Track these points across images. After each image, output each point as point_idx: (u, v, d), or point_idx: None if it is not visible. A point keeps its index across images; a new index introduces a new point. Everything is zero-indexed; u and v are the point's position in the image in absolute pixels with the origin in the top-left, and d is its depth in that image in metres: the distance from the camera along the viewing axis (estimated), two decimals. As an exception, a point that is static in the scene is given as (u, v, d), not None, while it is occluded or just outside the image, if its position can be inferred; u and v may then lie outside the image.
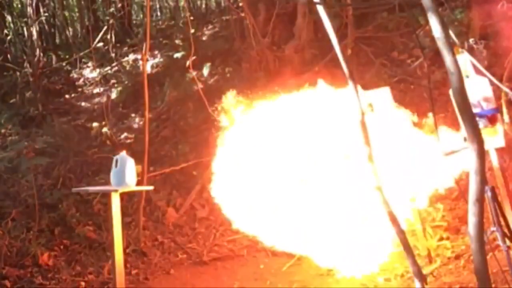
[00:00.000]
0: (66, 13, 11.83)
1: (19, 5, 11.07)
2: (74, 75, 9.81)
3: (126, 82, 9.03)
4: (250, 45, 8.02)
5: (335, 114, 4.56)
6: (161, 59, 9.27)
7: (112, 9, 10.06)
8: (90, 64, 9.90)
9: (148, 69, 8.51)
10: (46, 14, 10.34)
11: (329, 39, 2.75)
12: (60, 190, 6.80)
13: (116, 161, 4.76)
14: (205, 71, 8.14)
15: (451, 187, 5.11)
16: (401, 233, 2.63)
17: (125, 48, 10.05)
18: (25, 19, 9.91)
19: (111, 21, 9.68)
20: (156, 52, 9.46)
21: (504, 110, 4.93)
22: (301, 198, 4.50)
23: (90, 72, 9.82)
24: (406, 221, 5.11)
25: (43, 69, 9.44)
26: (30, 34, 9.64)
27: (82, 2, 11.29)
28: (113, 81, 9.32)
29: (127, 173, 4.71)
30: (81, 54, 9.83)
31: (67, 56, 10.33)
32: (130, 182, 4.74)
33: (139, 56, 9.34)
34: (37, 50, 9.47)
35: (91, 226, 6.05)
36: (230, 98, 5.02)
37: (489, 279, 2.13)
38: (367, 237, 4.43)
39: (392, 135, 4.43)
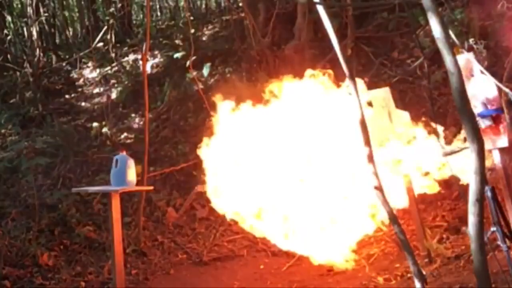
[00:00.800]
0: (66, 13, 11.82)
1: (19, 5, 11.07)
2: (74, 75, 9.81)
3: (126, 82, 9.03)
4: (250, 45, 8.02)
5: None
6: (161, 59, 9.27)
7: (112, 9, 10.04)
8: (90, 64, 9.90)
9: (148, 69, 8.52)
10: (46, 14, 10.33)
11: (329, 39, 2.75)
12: (60, 190, 6.80)
13: (116, 161, 4.76)
14: (205, 71, 8.13)
15: (451, 187, 5.13)
16: (401, 233, 2.63)
17: (125, 48, 10.05)
18: (25, 19, 9.91)
19: (111, 21, 9.67)
20: (156, 52, 9.46)
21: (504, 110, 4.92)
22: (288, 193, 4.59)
23: (90, 72, 9.81)
24: (406, 222, 5.14)
25: (43, 69, 9.44)
26: (30, 34, 9.64)
27: (82, 2, 11.29)
28: (113, 81, 9.32)
29: (127, 173, 4.72)
30: (81, 54, 9.83)
31: (67, 56, 10.33)
32: (130, 182, 4.75)
33: (139, 56, 9.34)
34: (37, 50, 9.47)
35: (91, 226, 6.05)
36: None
37: (489, 279, 2.13)
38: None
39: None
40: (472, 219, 2.09)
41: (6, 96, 9.13)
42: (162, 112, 8.08)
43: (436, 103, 6.18)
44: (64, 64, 10.04)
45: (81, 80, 9.71)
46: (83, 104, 9.07)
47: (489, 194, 3.24)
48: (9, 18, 10.36)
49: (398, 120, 4.62)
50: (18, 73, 9.32)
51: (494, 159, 3.70)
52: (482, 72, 3.63)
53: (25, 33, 10.05)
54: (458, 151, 3.56)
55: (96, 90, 9.27)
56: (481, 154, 2.07)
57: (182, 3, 11.68)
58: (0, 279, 5.10)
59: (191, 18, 9.84)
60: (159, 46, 9.48)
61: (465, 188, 2.29)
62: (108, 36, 9.62)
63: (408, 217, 5.31)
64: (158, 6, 12.34)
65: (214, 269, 5.47)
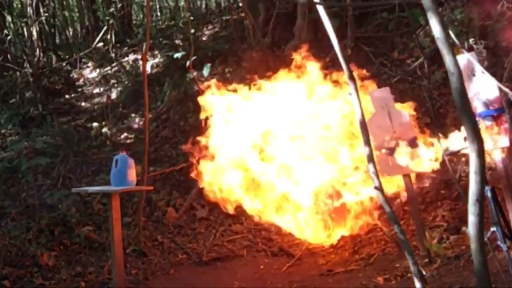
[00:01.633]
0: (66, 13, 11.83)
1: (19, 5, 11.07)
2: (74, 75, 9.81)
3: (126, 82, 9.03)
4: (250, 45, 8.02)
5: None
6: (161, 59, 9.27)
7: (112, 9, 10.04)
8: (90, 64, 9.90)
9: (148, 69, 8.52)
10: (46, 14, 10.33)
11: (329, 39, 2.75)
12: (60, 190, 6.80)
13: (116, 161, 4.76)
14: (205, 71, 8.13)
15: (451, 187, 5.14)
16: (401, 233, 2.63)
17: (125, 48, 10.05)
18: (25, 19, 9.90)
19: (111, 21, 9.67)
20: (156, 52, 9.46)
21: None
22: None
23: (90, 72, 9.81)
24: (406, 222, 5.16)
25: (43, 69, 9.44)
26: (30, 34, 9.64)
27: (82, 2, 11.28)
28: (113, 81, 9.32)
29: (127, 173, 4.72)
30: (81, 54, 9.83)
31: (67, 56, 10.33)
32: (130, 182, 4.75)
33: (139, 56, 9.34)
34: (37, 50, 9.47)
35: (91, 226, 6.05)
36: None
37: (489, 279, 2.12)
38: None
39: None
40: (472, 219, 2.09)
41: (6, 96, 9.12)
42: (162, 112, 8.08)
43: (436, 103, 6.18)
44: (64, 64, 10.04)
45: (81, 80, 9.71)
46: (83, 104, 9.07)
47: (489, 194, 3.24)
48: (9, 18, 10.36)
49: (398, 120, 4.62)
50: (18, 73, 9.32)
51: (495, 159, 3.70)
52: (482, 72, 3.63)
53: (25, 33, 10.04)
54: (458, 151, 3.55)
55: (96, 90, 9.27)
56: (481, 154, 2.07)
57: (182, 3, 11.69)
58: (0, 279, 5.10)
59: (191, 18, 9.85)
60: (159, 46, 9.48)
61: (465, 188, 2.28)
62: (108, 36, 9.62)
63: (408, 217, 5.32)
64: (158, 6, 12.34)
65: (214, 269, 5.47)
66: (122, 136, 7.99)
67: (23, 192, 6.86)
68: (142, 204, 6.07)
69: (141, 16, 12.55)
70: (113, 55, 9.59)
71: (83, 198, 6.53)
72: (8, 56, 9.92)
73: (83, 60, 9.95)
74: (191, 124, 7.56)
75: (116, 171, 4.76)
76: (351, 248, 5.29)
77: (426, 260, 4.43)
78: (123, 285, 4.63)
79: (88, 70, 9.89)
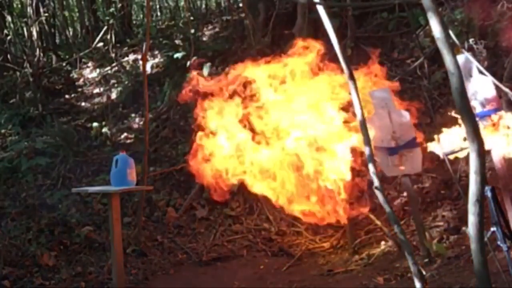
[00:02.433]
0: (66, 13, 11.81)
1: (19, 5, 11.07)
2: (74, 75, 9.80)
3: (126, 82, 9.02)
4: (250, 45, 8.02)
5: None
6: (161, 59, 9.26)
7: (112, 9, 10.03)
8: (90, 64, 9.89)
9: (148, 69, 8.51)
10: (46, 14, 10.31)
11: (329, 39, 2.75)
12: (60, 190, 6.80)
13: (116, 161, 4.76)
14: (205, 71, 8.13)
15: (451, 187, 5.14)
16: (401, 233, 2.63)
17: (125, 48, 10.04)
18: (25, 19, 9.90)
19: (111, 21, 9.67)
20: (156, 52, 9.45)
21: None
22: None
23: (90, 72, 9.81)
24: (406, 222, 5.16)
25: (43, 69, 9.43)
26: (30, 34, 9.63)
27: (82, 2, 11.28)
28: (113, 81, 9.32)
29: (127, 173, 4.72)
30: (81, 54, 9.82)
31: (67, 56, 10.32)
32: (130, 182, 4.75)
33: (139, 56, 9.33)
34: (37, 50, 9.46)
35: (91, 226, 6.05)
36: None
37: (489, 279, 2.12)
38: None
39: None
40: (472, 219, 2.09)
41: (6, 96, 9.11)
42: (162, 112, 8.08)
43: (436, 103, 6.18)
44: (64, 64, 10.03)
45: (81, 80, 9.70)
46: (83, 104, 9.07)
47: (489, 194, 3.24)
48: (9, 18, 10.35)
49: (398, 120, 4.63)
50: (18, 73, 9.31)
51: (493, 159, 3.70)
52: (481, 72, 3.63)
53: (25, 33, 10.04)
54: (458, 151, 3.56)
55: (96, 90, 9.27)
56: (481, 154, 2.07)
57: (182, 3, 11.68)
58: (0, 279, 5.10)
59: (191, 18, 9.85)
60: (159, 46, 9.47)
61: (465, 188, 2.28)
62: (108, 36, 9.62)
63: (408, 217, 5.32)
64: (158, 6, 12.33)
65: (214, 269, 5.47)
66: (122, 136, 7.99)
67: (23, 192, 6.85)
68: (142, 204, 6.08)
69: (141, 16, 12.55)
70: (113, 55, 9.59)
71: (83, 198, 6.53)
72: (8, 56, 9.91)
73: (83, 60, 9.95)
74: (191, 124, 7.55)
75: (116, 171, 4.76)
76: (351, 248, 5.29)
77: (426, 260, 4.44)
78: (123, 285, 4.64)
79: (88, 70, 9.88)
